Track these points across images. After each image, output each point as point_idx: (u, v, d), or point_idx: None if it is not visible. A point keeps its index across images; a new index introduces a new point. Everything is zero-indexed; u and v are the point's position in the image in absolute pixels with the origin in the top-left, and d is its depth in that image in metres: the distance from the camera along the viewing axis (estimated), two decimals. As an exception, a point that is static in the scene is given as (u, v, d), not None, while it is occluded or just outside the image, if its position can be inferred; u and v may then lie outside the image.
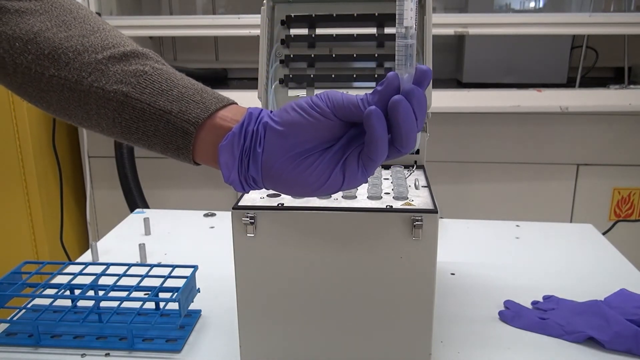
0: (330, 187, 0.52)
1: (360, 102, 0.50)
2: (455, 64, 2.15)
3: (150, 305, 0.84)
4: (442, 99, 1.79)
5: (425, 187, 0.75)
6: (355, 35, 0.86)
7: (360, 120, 0.50)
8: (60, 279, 0.86)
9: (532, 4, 2.06)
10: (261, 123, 0.52)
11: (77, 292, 0.84)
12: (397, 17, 0.49)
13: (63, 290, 0.83)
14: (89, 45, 0.55)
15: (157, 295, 0.81)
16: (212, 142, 0.53)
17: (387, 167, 0.83)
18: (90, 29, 0.57)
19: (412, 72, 0.49)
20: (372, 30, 0.87)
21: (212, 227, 1.22)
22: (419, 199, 0.70)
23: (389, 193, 0.72)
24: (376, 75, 0.86)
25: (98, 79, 0.54)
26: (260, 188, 0.54)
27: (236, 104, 0.57)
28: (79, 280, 0.85)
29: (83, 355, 0.77)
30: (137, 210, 1.34)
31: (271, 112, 0.53)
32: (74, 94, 0.55)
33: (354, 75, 0.86)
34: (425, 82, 0.50)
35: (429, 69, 0.50)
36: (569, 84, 1.97)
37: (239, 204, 0.69)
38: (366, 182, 0.57)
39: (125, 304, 0.79)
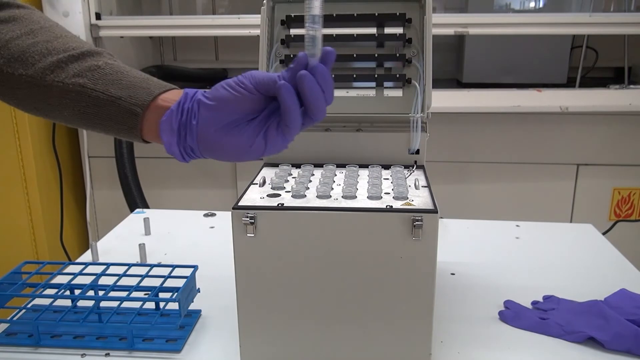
0: (255, 151, 0.61)
1: (277, 78, 0.59)
2: (455, 64, 2.15)
3: (150, 305, 0.84)
4: (442, 99, 1.79)
5: (425, 187, 0.75)
6: (355, 35, 0.86)
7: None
8: (60, 279, 0.86)
9: (532, 4, 2.06)
10: (195, 100, 0.61)
11: (77, 292, 0.84)
12: (305, 6, 0.58)
13: (63, 290, 0.83)
14: (52, 49, 0.64)
15: (157, 295, 0.81)
16: (156, 120, 0.63)
17: (387, 167, 0.83)
18: (54, 36, 0.66)
19: (319, 53, 0.59)
20: (372, 30, 0.87)
21: (212, 227, 1.22)
22: (419, 199, 0.70)
23: (389, 193, 0.72)
24: (376, 75, 0.86)
25: (59, 75, 0.63)
26: (197, 157, 0.63)
27: (179, 88, 0.66)
28: (79, 280, 0.85)
29: (83, 355, 0.77)
30: (137, 210, 1.34)
31: (205, 91, 0.62)
32: (40, 89, 0.64)
33: (354, 75, 0.86)
34: (329, 61, 0.60)
35: (333, 50, 0.60)
36: (569, 84, 1.97)
37: (239, 204, 0.69)
38: (286, 147, 0.63)
39: (125, 304, 0.79)
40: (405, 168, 0.83)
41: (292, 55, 0.87)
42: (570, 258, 1.06)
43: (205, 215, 1.28)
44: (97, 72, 0.63)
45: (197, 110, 0.61)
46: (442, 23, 1.80)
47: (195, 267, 0.85)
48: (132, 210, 1.44)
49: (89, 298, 0.81)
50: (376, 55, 0.86)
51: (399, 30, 0.86)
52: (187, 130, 0.61)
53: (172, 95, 0.64)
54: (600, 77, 2.13)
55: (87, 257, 1.06)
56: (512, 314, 0.84)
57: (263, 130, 0.61)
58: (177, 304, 0.77)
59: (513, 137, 1.93)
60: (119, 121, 0.63)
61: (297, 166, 0.83)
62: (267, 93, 0.60)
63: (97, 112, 0.63)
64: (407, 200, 0.69)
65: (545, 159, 1.94)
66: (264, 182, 0.76)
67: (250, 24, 1.84)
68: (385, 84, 0.86)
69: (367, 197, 0.71)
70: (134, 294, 0.81)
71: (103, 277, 0.86)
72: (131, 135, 0.64)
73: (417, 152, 0.85)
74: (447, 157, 1.95)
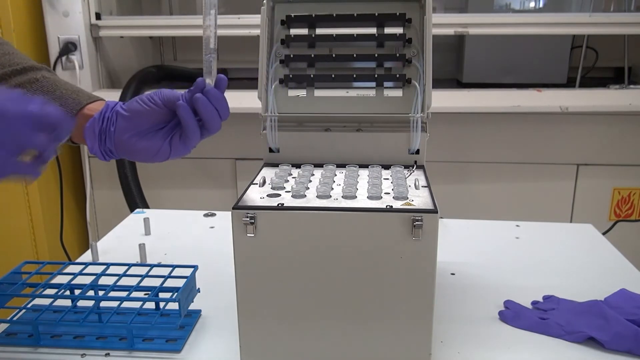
0: (161, 155, 0.73)
1: (180, 97, 0.71)
2: (455, 64, 2.15)
3: (150, 305, 0.84)
4: (442, 99, 1.79)
5: (425, 187, 0.75)
6: (355, 35, 0.86)
7: None
8: (60, 279, 0.86)
9: (532, 4, 2.06)
10: (114, 111, 0.73)
11: (77, 292, 0.84)
12: (204, 42, 0.71)
13: (63, 290, 0.83)
14: None
15: (157, 295, 0.81)
16: (82, 126, 0.74)
17: (387, 167, 0.83)
18: (1, 53, 0.76)
19: (214, 79, 0.71)
20: (372, 30, 0.87)
21: (212, 227, 1.22)
22: (419, 199, 0.70)
23: (389, 193, 0.72)
24: (376, 75, 0.86)
25: (2, 85, 0.74)
26: (116, 157, 0.74)
27: (104, 100, 0.77)
28: (79, 280, 0.85)
29: (83, 355, 0.77)
30: (137, 210, 1.34)
31: (123, 103, 0.74)
32: None
33: (354, 75, 0.86)
34: (221, 85, 0.71)
35: (224, 76, 0.71)
36: (569, 84, 1.97)
37: (239, 204, 0.69)
38: (188, 152, 0.74)
39: (125, 304, 0.79)
40: (405, 168, 0.83)
41: (292, 55, 0.87)
42: (570, 258, 1.06)
43: (205, 215, 1.28)
44: (35, 84, 0.75)
45: (115, 120, 0.72)
46: (442, 23, 1.80)
47: (195, 267, 0.85)
48: (132, 210, 1.44)
49: (89, 298, 0.81)
50: (376, 55, 0.86)
51: (399, 30, 0.86)
52: (106, 135, 0.73)
53: (97, 106, 0.75)
54: (600, 77, 2.13)
55: (87, 257, 1.06)
56: (512, 314, 0.84)
57: (168, 139, 0.73)
58: (177, 304, 0.77)
59: (513, 137, 1.93)
60: None
61: (297, 166, 0.83)
62: (173, 108, 0.72)
63: None
64: (407, 200, 0.69)
65: (545, 159, 1.94)
66: (264, 182, 0.76)
67: (250, 24, 1.84)
68: (385, 84, 0.86)
69: (367, 197, 0.71)
70: (134, 294, 0.81)
71: (103, 277, 0.86)
72: None
73: (417, 152, 0.85)
74: (447, 157, 1.95)
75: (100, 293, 0.83)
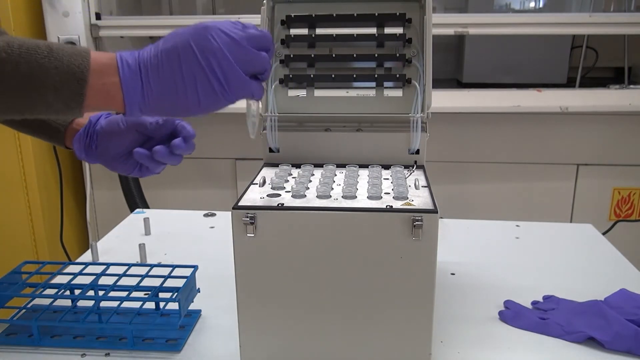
0: (135, 173, 0.80)
1: (148, 124, 0.76)
2: (455, 64, 2.15)
3: (150, 305, 0.84)
4: (442, 99, 1.79)
5: (425, 187, 0.75)
6: (355, 35, 0.86)
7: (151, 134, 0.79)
8: (60, 279, 0.86)
9: (532, 4, 2.06)
10: (95, 129, 0.79)
11: (77, 292, 0.84)
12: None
13: (63, 290, 0.83)
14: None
15: (157, 295, 0.81)
16: (71, 137, 0.80)
17: (387, 167, 0.83)
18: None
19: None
20: (372, 30, 0.87)
21: (212, 227, 1.22)
22: (419, 199, 0.70)
23: (389, 193, 0.72)
24: (376, 75, 0.86)
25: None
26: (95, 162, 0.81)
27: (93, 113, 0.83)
28: (79, 280, 0.85)
29: (83, 355, 0.77)
30: (137, 210, 1.34)
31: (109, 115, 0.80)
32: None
33: (354, 75, 0.86)
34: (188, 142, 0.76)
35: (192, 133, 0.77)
36: (569, 84, 1.96)
37: (239, 204, 0.69)
38: (158, 172, 0.80)
39: (125, 304, 0.79)
40: (405, 168, 0.83)
41: (292, 55, 0.87)
42: (570, 258, 1.06)
43: (205, 215, 1.28)
44: None
45: (97, 138, 0.79)
46: (442, 23, 1.80)
47: (195, 267, 0.85)
48: (132, 210, 1.44)
49: (89, 298, 0.81)
50: (376, 55, 0.86)
51: (399, 30, 0.86)
52: (91, 151, 0.79)
53: (83, 120, 0.81)
54: (600, 77, 2.13)
55: (87, 257, 1.06)
56: (512, 314, 0.84)
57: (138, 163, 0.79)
58: (177, 304, 0.77)
59: (513, 137, 1.93)
60: (49, 135, 0.82)
61: (297, 166, 0.83)
62: (141, 131, 0.77)
63: (32, 128, 0.81)
64: (407, 200, 0.69)
65: (545, 159, 1.94)
66: (264, 182, 0.76)
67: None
68: (385, 84, 0.86)
69: (367, 197, 0.71)
70: (134, 294, 0.81)
71: (103, 277, 0.86)
72: (59, 143, 0.82)
73: (417, 152, 0.85)
74: (447, 157, 1.95)
75: (100, 293, 0.84)
